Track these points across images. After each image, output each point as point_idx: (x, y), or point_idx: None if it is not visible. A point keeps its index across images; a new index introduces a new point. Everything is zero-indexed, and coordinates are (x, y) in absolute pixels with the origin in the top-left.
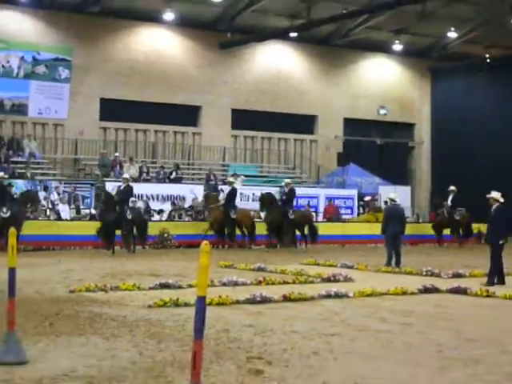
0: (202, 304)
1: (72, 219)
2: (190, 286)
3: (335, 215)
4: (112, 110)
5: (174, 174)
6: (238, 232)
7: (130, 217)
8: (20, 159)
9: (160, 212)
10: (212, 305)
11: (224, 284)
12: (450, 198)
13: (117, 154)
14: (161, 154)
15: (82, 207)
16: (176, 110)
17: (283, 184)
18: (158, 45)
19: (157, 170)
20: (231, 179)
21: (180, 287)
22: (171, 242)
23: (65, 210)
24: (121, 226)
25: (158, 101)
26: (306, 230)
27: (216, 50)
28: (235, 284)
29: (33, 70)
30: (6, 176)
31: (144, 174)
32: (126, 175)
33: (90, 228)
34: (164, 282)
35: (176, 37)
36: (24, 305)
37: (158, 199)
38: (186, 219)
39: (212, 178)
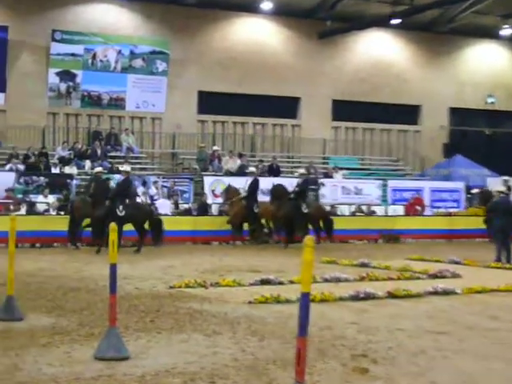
0: (306, 300)
1: (171, 214)
2: (291, 282)
3: (422, 209)
4: (210, 102)
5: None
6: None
7: (122, 213)
8: (118, 154)
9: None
10: (315, 302)
11: (326, 280)
12: None
13: (215, 148)
14: (259, 147)
15: (180, 202)
16: (275, 101)
17: (297, 174)
18: (256, 35)
19: (255, 164)
20: (252, 169)
21: (281, 283)
22: (272, 238)
23: (164, 205)
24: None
25: (257, 93)
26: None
27: (315, 40)
28: (338, 280)
29: (130, 63)
30: (105, 171)
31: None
32: (125, 167)
33: (189, 223)
34: (264, 277)
35: (274, 27)
36: (125, 301)
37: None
38: None
39: (312, 171)
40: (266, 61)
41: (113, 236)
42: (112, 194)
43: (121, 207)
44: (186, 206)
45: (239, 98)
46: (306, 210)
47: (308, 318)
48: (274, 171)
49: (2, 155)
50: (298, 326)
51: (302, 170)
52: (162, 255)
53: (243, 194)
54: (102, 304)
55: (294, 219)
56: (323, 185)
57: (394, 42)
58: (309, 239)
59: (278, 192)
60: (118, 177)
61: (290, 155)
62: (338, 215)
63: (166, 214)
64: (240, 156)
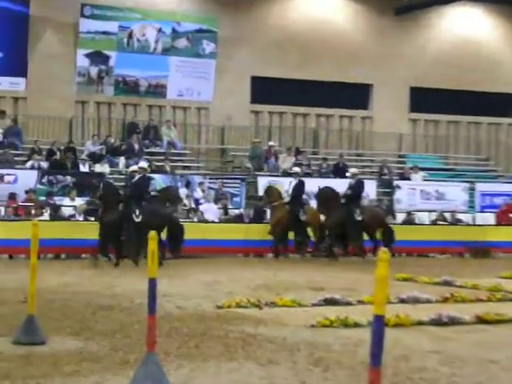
0: (380, 324)
1: (219, 221)
2: (361, 302)
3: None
4: (265, 90)
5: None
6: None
7: (138, 219)
8: (157, 150)
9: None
10: (388, 326)
11: (402, 301)
12: None
13: (272, 143)
14: (323, 142)
15: (229, 207)
16: (342, 89)
17: (349, 175)
18: (321, 10)
19: (319, 162)
20: (296, 169)
21: (348, 304)
22: (337, 250)
23: (210, 210)
24: (121, 230)
25: (321, 79)
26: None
27: (390, 16)
28: (416, 301)
29: (172, 43)
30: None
31: (304, 167)
32: (142, 163)
33: (240, 232)
34: (329, 297)
35: (341, 1)
36: (165, 322)
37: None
38: None
39: (386, 171)
40: (331, 41)
41: (152, 245)
42: (126, 196)
43: (137, 211)
44: (236, 211)
45: (299, 84)
46: (359, 217)
47: (382, 345)
48: (340, 171)
49: (23, 150)
50: (370, 354)
51: (355, 170)
52: (206, 269)
53: (286, 198)
54: (138, 326)
55: (346, 228)
56: (399, 188)
57: (485, 18)
58: (383, 252)
59: (325, 196)
60: (158, 177)
61: (360, 152)
62: (416, 224)
63: (212, 221)
64: (298, 152)
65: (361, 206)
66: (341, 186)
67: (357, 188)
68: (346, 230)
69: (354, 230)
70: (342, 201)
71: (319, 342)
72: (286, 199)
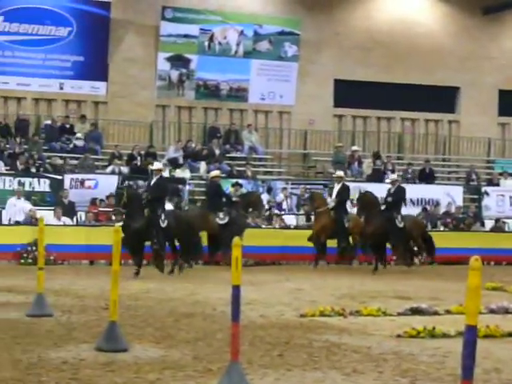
0: (472, 335)
1: (300, 227)
2: (449, 312)
3: None
4: (349, 93)
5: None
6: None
7: (164, 223)
8: (238, 154)
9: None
10: (478, 337)
11: (492, 311)
12: None
13: (355, 148)
14: (408, 147)
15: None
16: (428, 92)
17: (388, 181)
18: (405, 11)
19: (403, 168)
20: (340, 173)
21: (436, 313)
22: (422, 258)
23: (289, 216)
24: (150, 237)
25: (406, 81)
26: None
27: (478, 16)
28: (506, 311)
29: (254, 46)
30: (223, 175)
31: (389, 173)
32: (156, 164)
33: None
34: (415, 306)
35: (427, 1)
36: (248, 331)
37: (405, 203)
38: (441, 228)
39: (473, 177)
40: (416, 43)
41: (236, 252)
42: (148, 200)
43: (163, 216)
44: None
45: (384, 88)
46: (401, 225)
47: (474, 357)
48: (426, 177)
49: (103, 155)
50: (462, 366)
51: (394, 176)
52: (289, 276)
53: (331, 203)
54: (221, 334)
55: (387, 235)
56: (487, 194)
57: None
58: (475, 260)
59: (367, 201)
60: (240, 182)
61: (446, 158)
62: (506, 232)
63: (294, 228)
64: (377, 157)
65: (401, 214)
66: (428, 192)
67: (398, 195)
68: (386, 237)
69: (396, 238)
70: (382, 207)
71: (406, 352)
72: (331, 204)
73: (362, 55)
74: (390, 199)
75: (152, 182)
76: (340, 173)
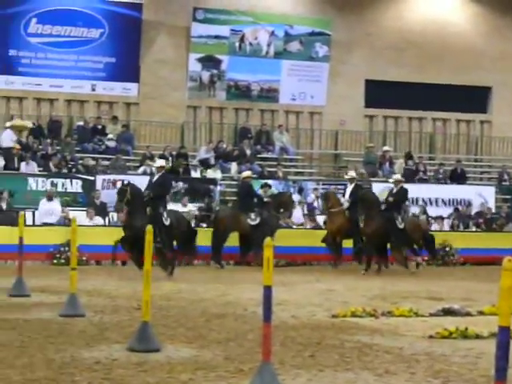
0: (505, 336)
1: None
2: (481, 313)
3: None
4: (380, 94)
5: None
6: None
7: (167, 222)
8: (270, 155)
9: (438, 219)
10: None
11: None
12: None
13: (386, 148)
14: (440, 147)
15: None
16: (459, 92)
17: (391, 181)
18: (437, 11)
19: (435, 168)
20: (352, 173)
21: (468, 314)
22: (454, 258)
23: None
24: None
25: (437, 81)
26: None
27: (509, 16)
28: None
29: (285, 47)
30: (255, 175)
31: (420, 173)
32: (159, 161)
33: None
34: (448, 307)
35: (459, 1)
36: (279, 331)
37: (436, 204)
38: (473, 229)
39: (505, 177)
40: (448, 43)
41: (268, 253)
42: (150, 197)
43: (165, 214)
44: None
45: (415, 88)
46: (401, 226)
47: (507, 358)
48: (457, 177)
49: (135, 156)
50: (495, 368)
51: (398, 176)
52: (320, 277)
53: (345, 203)
54: (252, 334)
55: (388, 236)
56: None
57: None
58: (509, 261)
59: (367, 201)
60: (270, 182)
61: (478, 158)
62: None
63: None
64: (409, 157)
65: (402, 215)
66: (460, 192)
67: (399, 196)
68: (386, 238)
69: (397, 239)
70: (382, 207)
71: (438, 353)
72: (346, 205)
73: (393, 55)
74: (391, 199)
75: (154, 180)
76: (352, 173)
